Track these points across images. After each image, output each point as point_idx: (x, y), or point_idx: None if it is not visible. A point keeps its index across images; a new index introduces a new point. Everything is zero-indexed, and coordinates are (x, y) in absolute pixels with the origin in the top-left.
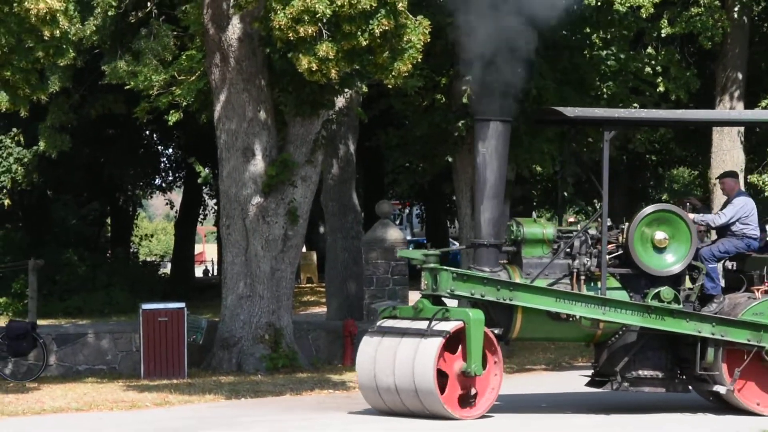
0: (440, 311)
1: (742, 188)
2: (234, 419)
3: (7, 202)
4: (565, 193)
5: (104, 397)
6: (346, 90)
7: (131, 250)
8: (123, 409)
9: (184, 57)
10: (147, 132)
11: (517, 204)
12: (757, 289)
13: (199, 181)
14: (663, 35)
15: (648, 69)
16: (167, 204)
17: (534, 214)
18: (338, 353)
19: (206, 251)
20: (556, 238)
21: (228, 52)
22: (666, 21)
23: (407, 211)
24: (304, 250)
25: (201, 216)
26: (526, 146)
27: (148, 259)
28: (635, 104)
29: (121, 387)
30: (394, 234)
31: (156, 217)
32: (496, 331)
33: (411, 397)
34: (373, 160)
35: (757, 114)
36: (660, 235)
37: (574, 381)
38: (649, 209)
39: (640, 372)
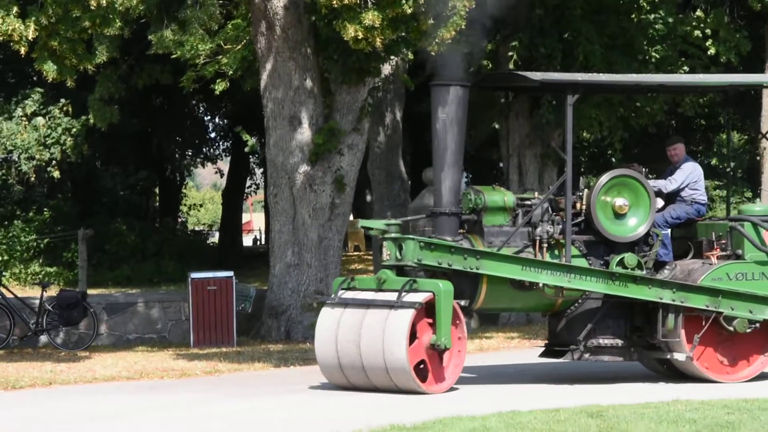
0: (408, 282)
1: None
2: (282, 386)
3: (56, 174)
4: (613, 158)
5: (154, 365)
6: (392, 57)
7: (180, 220)
8: (173, 377)
9: (230, 26)
10: (194, 101)
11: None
12: (713, 255)
13: (246, 150)
14: None
15: (697, 32)
16: (216, 172)
17: (581, 180)
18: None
19: (254, 220)
20: (516, 206)
21: (274, 21)
22: None
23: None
24: (351, 218)
25: (253, 186)
26: (574, 112)
27: (197, 228)
28: (684, 68)
29: (170, 356)
30: None
31: (203, 187)
32: (462, 303)
33: (380, 373)
34: (420, 127)
35: (733, 78)
36: (620, 201)
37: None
38: (606, 177)
39: (601, 340)
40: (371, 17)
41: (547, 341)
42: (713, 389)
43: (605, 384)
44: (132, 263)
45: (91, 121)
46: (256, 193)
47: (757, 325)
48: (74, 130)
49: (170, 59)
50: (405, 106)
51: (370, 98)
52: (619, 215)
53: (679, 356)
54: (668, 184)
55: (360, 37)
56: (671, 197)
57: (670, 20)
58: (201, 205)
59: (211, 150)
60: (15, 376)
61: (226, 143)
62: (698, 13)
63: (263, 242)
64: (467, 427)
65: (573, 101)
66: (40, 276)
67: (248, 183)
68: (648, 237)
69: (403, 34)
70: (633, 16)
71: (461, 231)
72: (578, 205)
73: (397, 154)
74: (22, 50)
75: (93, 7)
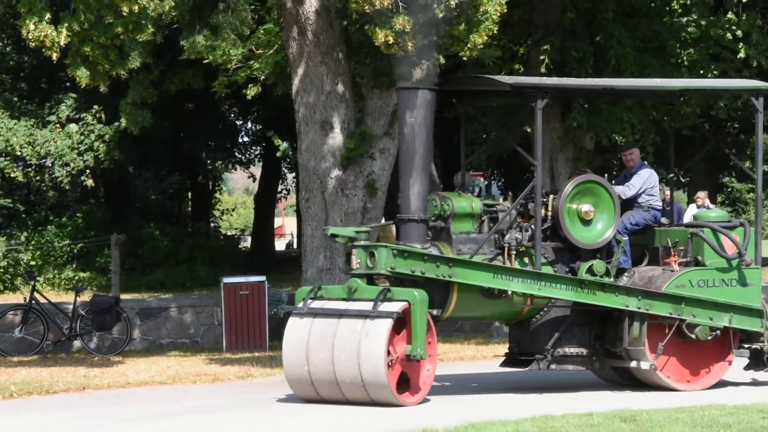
0: (383, 291)
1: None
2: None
3: (89, 182)
4: (646, 161)
5: (187, 370)
6: (423, 61)
7: (212, 224)
8: (206, 382)
9: (261, 31)
10: (226, 106)
11: (597, 173)
12: (673, 262)
13: (278, 154)
14: (744, 0)
15: (729, 35)
16: (249, 177)
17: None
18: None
19: (286, 224)
20: (483, 213)
21: (305, 25)
22: None
23: (485, 182)
24: (383, 222)
25: (284, 192)
26: (606, 115)
27: (229, 232)
28: (716, 71)
29: (203, 360)
30: None
31: (235, 191)
32: (434, 312)
33: (355, 386)
34: (450, 131)
35: (714, 83)
36: (586, 207)
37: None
38: (571, 184)
39: (566, 349)
40: (402, 22)
41: (507, 350)
42: (749, 394)
43: (636, 390)
44: (165, 268)
45: (123, 124)
46: (287, 197)
47: (718, 332)
48: (107, 136)
49: (202, 64)
50: (436, 109)
51: None
52: (585, 221)
53: (644, 365)
54: (626, 190)
55: (391, 42)
56: (628, 204)
57: (703, 23)
58: (233, 210)
59: (244, 155)
60: (49, 381)
61: (258, 148)
62: (730, 15)
63: (295, 246)
64: (500, 431)
65: (542, 105)
66: (74, 281)
67: (280, 187)
68: (610, 244)
69: (435, 39)
70: (665, 19)
71: (427, 239)
72: (543, 212)
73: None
74: (55, 56)
75: (125, 13)
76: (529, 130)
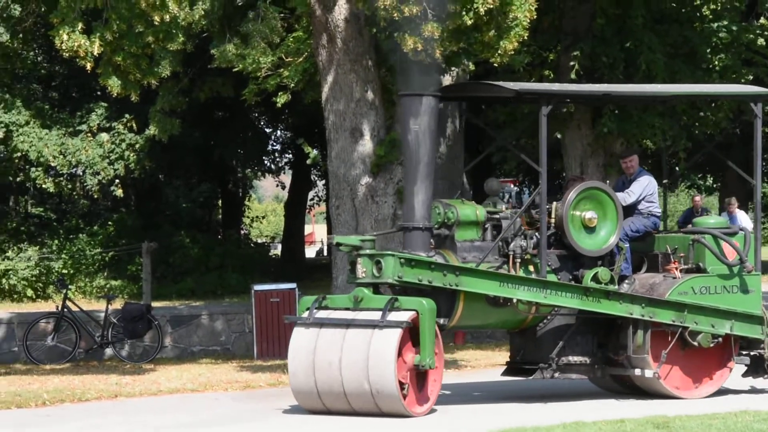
0: (390, 300)
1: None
2: None
3: (119, 193)
4: (677, 168)
5: (218, 377)
6: (453, 68)
7: (242, 232)
8: (237, 389)
9: (291, 39)
10: (255, 114)
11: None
12: (675, 269)
13: (308, 162)
14: None
15: (761, 40)
16: (278, 185)
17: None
18: (450, 332)
19: (316, 232)
20: (486, 220)
21: (335, 33)
22: None
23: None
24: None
25: (315, 199)
26: (636, 121)
27: (259, 240)
28: (749, 76)
29: (234, 368)
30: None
31: (265, 199)
32: (440, 321)
33: (363, 396)
34: (481, 138)
35: (716, 88)
36: (590, 214)
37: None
38: (575, 191)
39: (570, 358)
40: (431, 29)
41: (509, 359)
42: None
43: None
44: (195, 276)
45: (151, 132)
46: (318, 204)
47: (720, 339)
48: (137, 145)
49: (232, 72)
50: (466, 117)
51: None
52: (588, 228)
53: (648, 373)
54: (627, 197)
55: (420, 49)
56: (628, 210)
57: (734, 28)
58: (263, 217)
59: (274, 162)
60: (81, 389)
61: (287, 155)
62: (762, 20)
63: (325, 254)
64: None
65: (547, 111)
66: (105, 289)
67: (310, 195)
68: (611, 251)
69: (464, 45)
70: (696, 24)
71: (431, 246)
72: (546, 220)
73: (459, 164)
74: (88, 66)
75: (156, 23)
76: (559, 136)
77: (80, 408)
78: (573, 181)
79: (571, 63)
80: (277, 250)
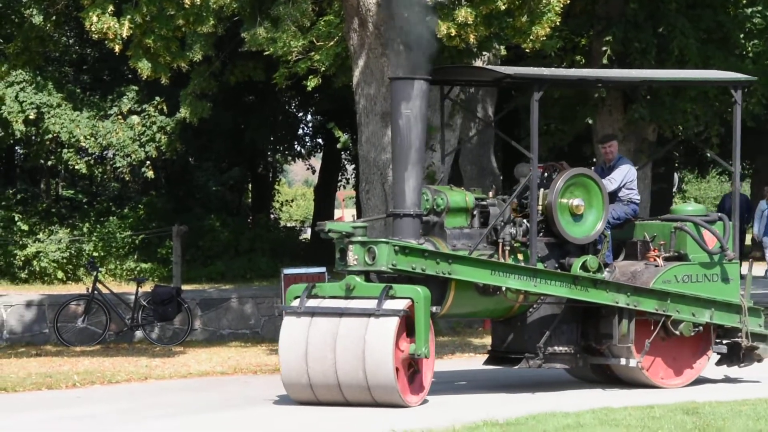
0: (385, 288)
1: None
2: None
3: (150, 174)
4: (708, 154)
5: (248, 361)
6: (485, 53)
7: (272, 216)
8: (266, 372)
9: (322, 22)
10: (286, 98)
11: (659, 165)
12: (657, 257)
13: (339, 146)
14: None
15: None
16: (308, 169)
17: (675, 176)
18: (480, 319)
19: (345, 216)
20: (474, 207)
21: (366, 17)
22: None
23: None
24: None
25: (344, 181)
26: (669, 106)
27: (289, 224)
28: None
29: (264, 351)
30: None
31: (295, 183)
32: (433, 309)
33: (359, 389)
34: (511, 123)
35: (710, 74)
36: (576, 201)
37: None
38: (563, 178)
39: (556, 347)
40: (464, 14)
41: (491, 348)
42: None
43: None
44: (225, 259)
45: (182, 114)
46: (345, 187)
47: (700, 328)
48: (168, 127)
49: (263, 56)
50: (497, 101)
51: (462, 94)
52: (575, 216)
53: (632, 362)
54: (609, 184)
55: (453, 34)
56: (609, 198)
57: None
58: (293, 201)
59: (304, 146)
60: (111, 371)
61: (318, 139)
62: None
63: None
64: (561, 423)
65: (539, 97)
66: (135, 272)
67: (340, 179)
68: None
69: (496, 30)
70: (729, 9)
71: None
72: (536, 207)
73: (489, 149)
74: (117, 48)
75: (187, 5)
76: (590, 121)
77: (110, 390)
78: (552, 168)
79: (603, 48)
80: (306, 234)
